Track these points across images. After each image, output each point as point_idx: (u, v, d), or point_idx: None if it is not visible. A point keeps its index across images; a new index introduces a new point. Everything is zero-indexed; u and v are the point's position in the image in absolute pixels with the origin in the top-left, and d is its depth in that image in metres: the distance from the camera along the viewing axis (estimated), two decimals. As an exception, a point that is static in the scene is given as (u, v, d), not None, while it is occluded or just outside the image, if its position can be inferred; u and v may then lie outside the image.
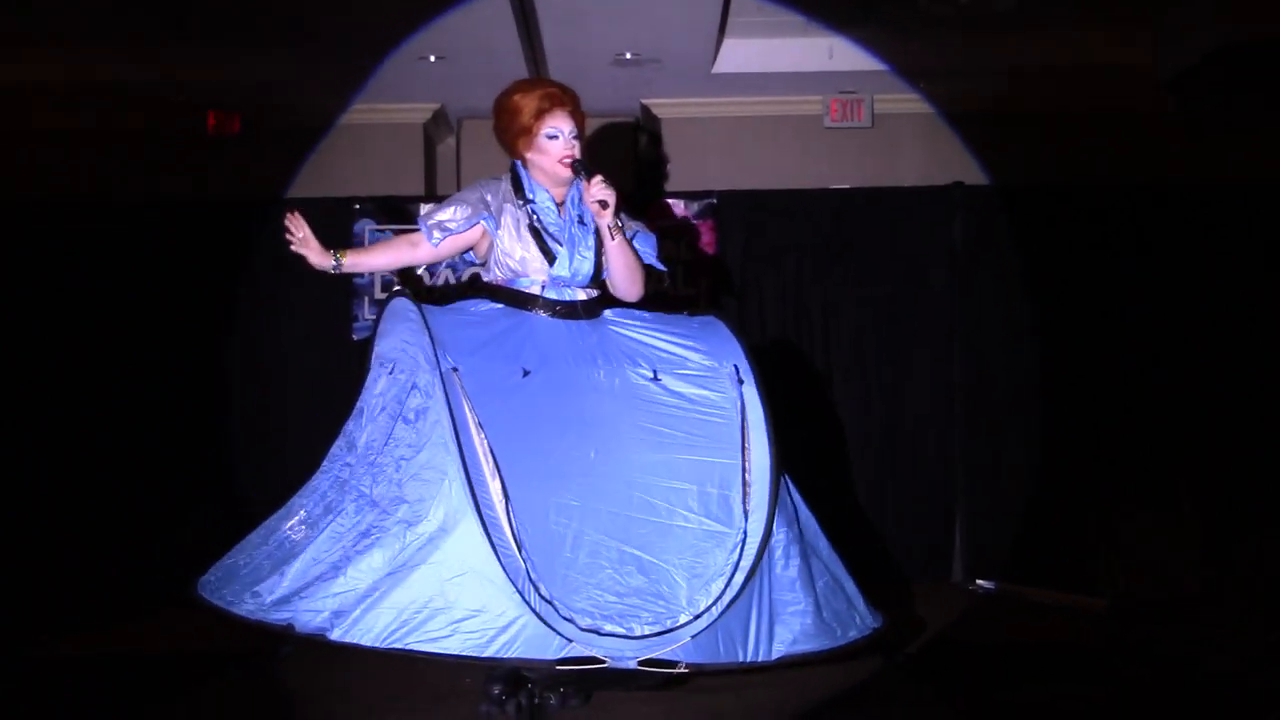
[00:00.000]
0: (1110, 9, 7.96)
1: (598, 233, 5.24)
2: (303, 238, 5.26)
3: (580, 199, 5.23)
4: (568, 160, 5.20)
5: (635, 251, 5.20)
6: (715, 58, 8.86)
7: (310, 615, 4.77)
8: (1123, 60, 8.31)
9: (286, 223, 5.27)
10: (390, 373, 5.25)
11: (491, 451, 4.80)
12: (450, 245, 5.37)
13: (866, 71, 8.88)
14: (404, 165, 9.60)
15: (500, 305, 5.24)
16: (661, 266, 5.44)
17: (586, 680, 4.65)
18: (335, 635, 4.71)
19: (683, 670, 4.64)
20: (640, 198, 8.91)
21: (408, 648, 4.64)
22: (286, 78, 8.74)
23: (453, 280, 8.48)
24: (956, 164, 9.11)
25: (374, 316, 8.43)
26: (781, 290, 8.73)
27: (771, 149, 9.60)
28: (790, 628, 4.86)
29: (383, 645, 4.66)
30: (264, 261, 8.60)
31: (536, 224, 5.20)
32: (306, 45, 8.34)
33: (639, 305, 5.44)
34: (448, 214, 5.27)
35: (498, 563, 4.61)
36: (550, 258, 5.15)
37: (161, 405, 8.43)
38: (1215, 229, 8.47)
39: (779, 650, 4.82)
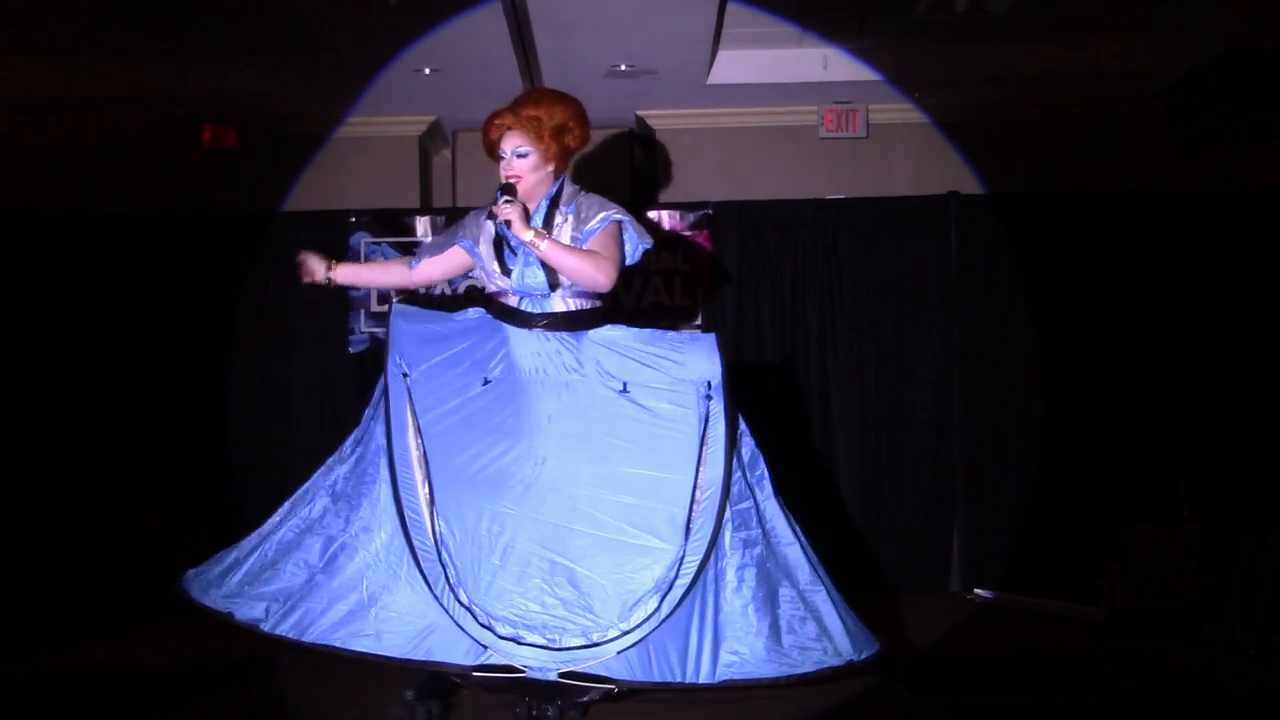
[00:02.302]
0: (1106, 16, 7.96)
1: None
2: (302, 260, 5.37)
3: (549, 209, 5.22)
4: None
5: (569, 249, 5.13)
6: (710, 69, 8.84)
7: (249, 606, 4.87)
8: (1119, 67, 8.30)
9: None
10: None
11: (425, 456, 4.87)
12: (430, 267, 5.45)
13: (861, 82, 8.86)
14: (399, 178, 9.57)
15: (488, 315, 5.26)
16: (643, 244, 5.32)
17: (515, 688, 4.69)
18: (266, 628, 4.80)
19: (611, 688, 4.65)
20: (636, 209, 8.92)
21: (332, 644, 4.69)
22: (283, 90, 8.73)
23: (448, 294, 8.49)
24: (951, 173, 9.10)
25: (370, 329, 8.51)
26: (778, 300, 8.75)
27: (767, 159, 9.58)
28: (738, 652, 4.77)
29: (307, 640, 4.72)
30: (262, 272, 8.64)
31: (502, 237, 5.22)
32: (303, 58, 8.34)
33: (640, 322, 5.41)
34: (432, 239, 5.35)
35: (416, 566, 4.70)
36: (506, 270, 5.17)
37: (159, 414, 8.47)
38: (1214, 234, 8.50)
39: (723, 673, 4.73)
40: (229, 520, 6.63)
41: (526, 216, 5.09)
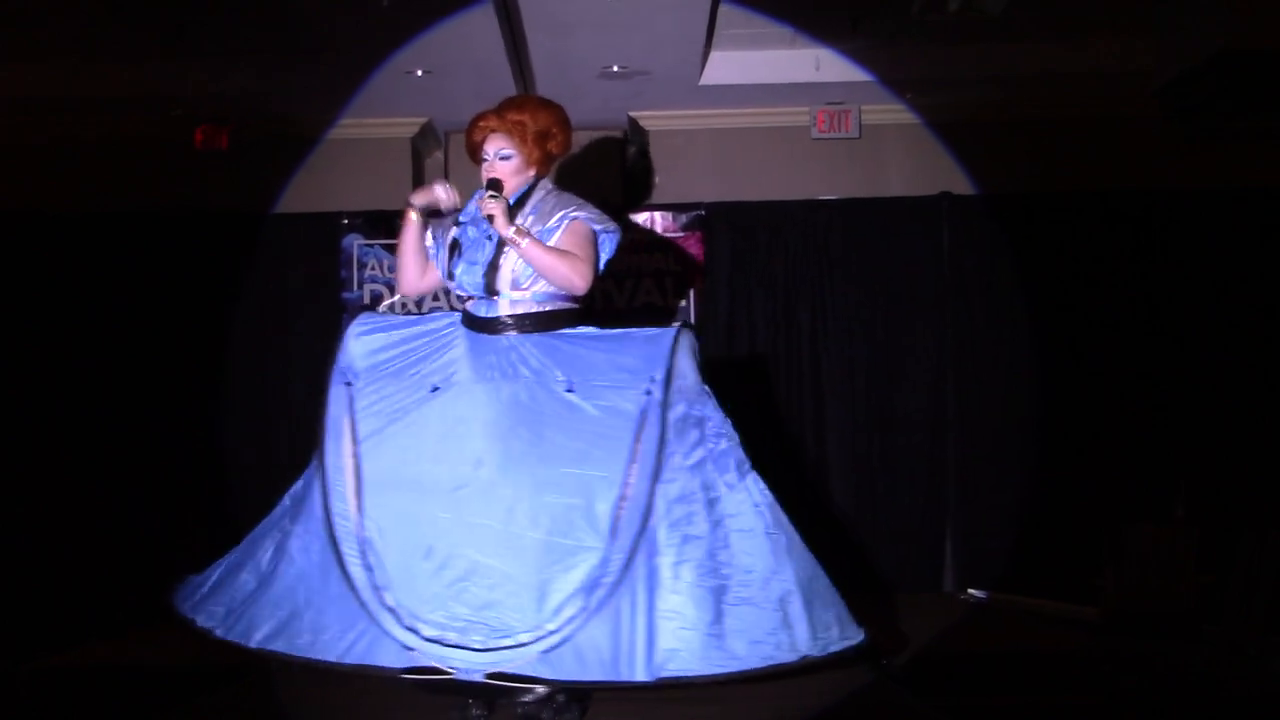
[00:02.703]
0: (1104, 15, 7.98)
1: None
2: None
3: (514, 207, 5.22)
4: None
5: (549, 249, 5.12)
6: (703, 70, 8.84)
7: (208, 613, 4.93)
8: (1119, 67, 8.30)
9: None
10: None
11: (359, 464, 4.90)
12: (429, 274, 5.43)
13: (853, 82, 8.86)
14: (392, 179, 9.53)
15: (451, 319, 5.26)
16: (611, 234, 5.28)
17: (447, 690, 4.72)
18: (220, 633, 4.85)
19: (541, 689, 4.63)
20: (628, 210, 8.93)
21: (273, 649, 4.73)
22: (279, 91, 8.71)
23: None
24: (944, 174, 9.10)
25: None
26: (770, 301, 8.77)
27: (759, 160, 9.56)
28: (674, 649, 4.63)
29: (252, 645, 4.76)
30: (262, 272, 8.64)
31: (458, 239, 5.22)
32: (301, 58, 8.32)
33: (632, 323, 5.40)
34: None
35: (340, 568, 4.74)
36: (451, 273, 5.18)
37: (158, 414, 8.49)
38: (1213, 234, 8.54)
39: (658, 671, 4.59)
40: (229, 520, 6.62)
41: (510, 213, 5.10)
